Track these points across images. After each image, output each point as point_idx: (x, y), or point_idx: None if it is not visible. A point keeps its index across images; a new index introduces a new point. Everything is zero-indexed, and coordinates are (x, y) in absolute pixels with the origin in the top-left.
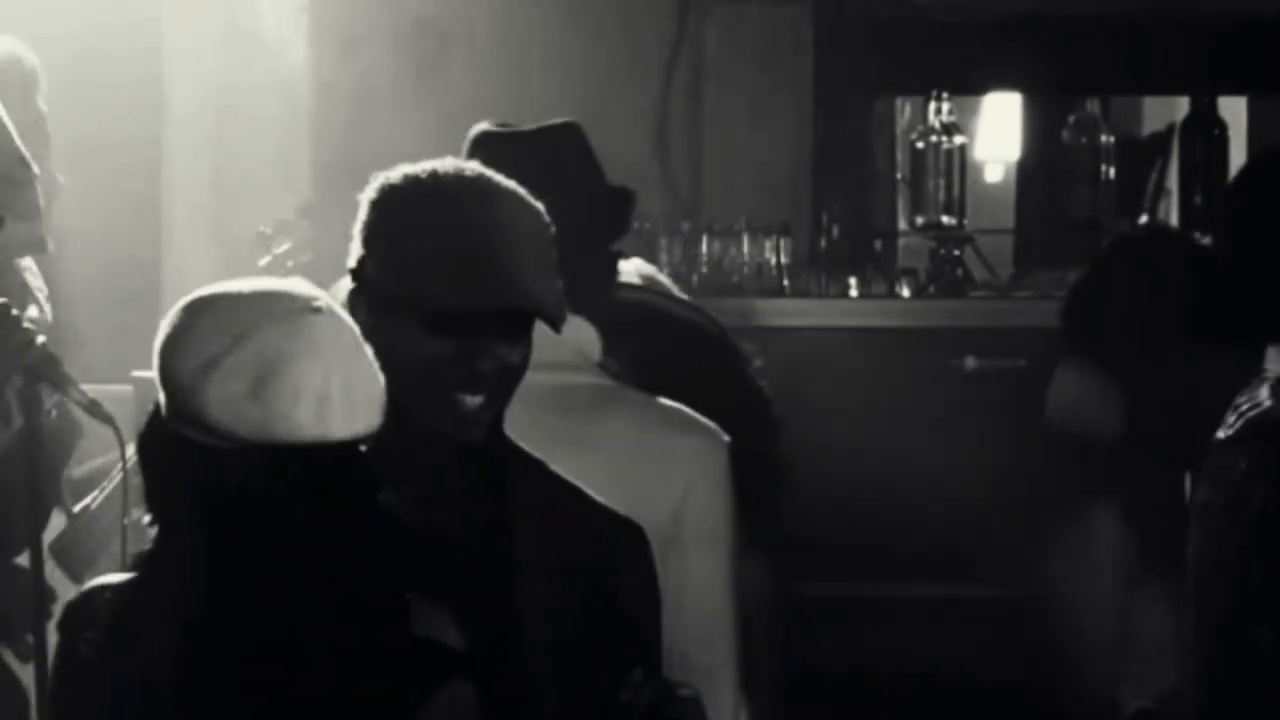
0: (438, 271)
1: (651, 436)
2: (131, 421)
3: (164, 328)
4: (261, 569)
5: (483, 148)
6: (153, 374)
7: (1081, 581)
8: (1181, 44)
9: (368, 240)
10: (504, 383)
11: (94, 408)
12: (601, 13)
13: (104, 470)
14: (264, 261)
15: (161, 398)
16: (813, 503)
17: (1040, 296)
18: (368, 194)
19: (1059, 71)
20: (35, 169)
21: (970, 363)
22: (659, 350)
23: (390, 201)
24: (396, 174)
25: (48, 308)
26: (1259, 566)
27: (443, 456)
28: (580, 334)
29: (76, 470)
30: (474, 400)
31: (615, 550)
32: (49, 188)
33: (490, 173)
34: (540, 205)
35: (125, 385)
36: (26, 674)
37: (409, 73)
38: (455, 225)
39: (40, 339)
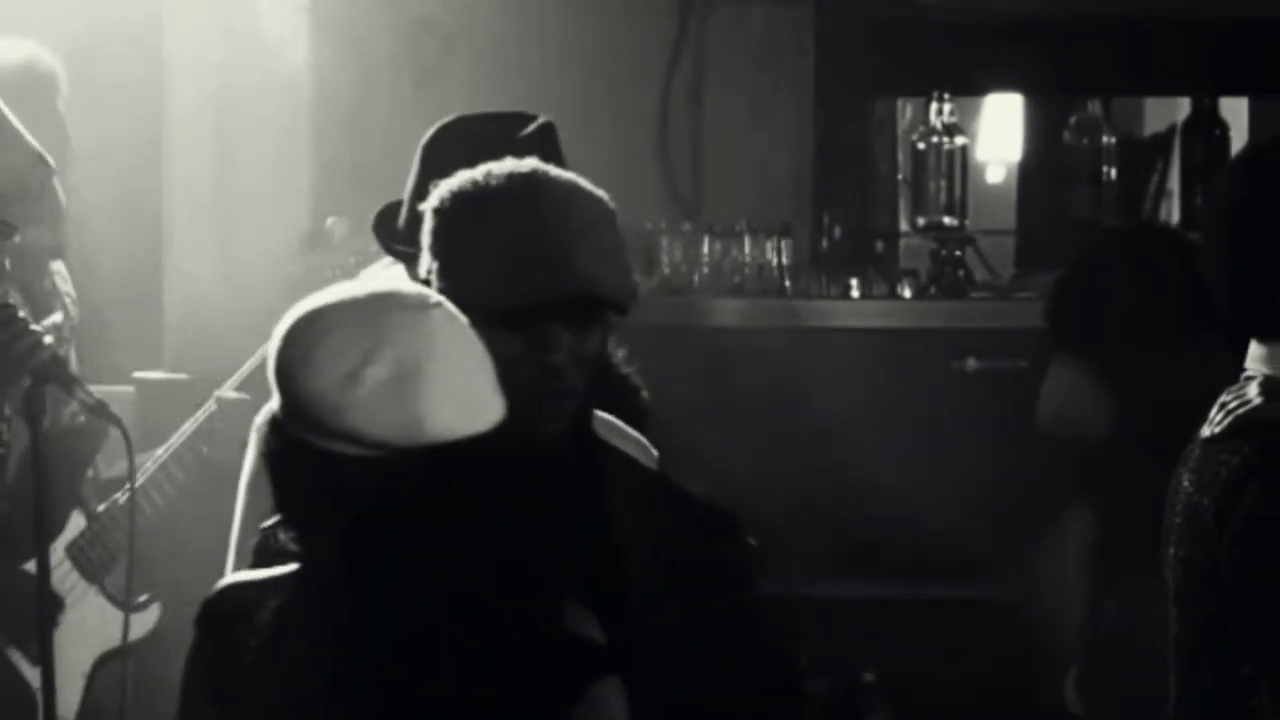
0: (491, 269)
1: None
2: (134, 423)
3: (283, 348)
4: (418, 571)
5: (446, 156)
6: (274, 393)
7: (1065, 581)
8: (1183, 45)
9: (432, 247)
10: (578, 374)
11: (100, 409)
12: (602, 13)
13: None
14: (306, 262)
15: (275, 406)
16: (811, 503)
17: (1042, 297)
18: (430, 202)
19: (1060, 72)
20: (53, 163)
21: (971, 364)
22: None
23: (446, 207)
24: (455, 179)
25: (74, 310)
26: (1246, 568)
27: (527, 452)
28: None
29: (106, 472)
30: (548, 395)
31: (711, 538)
32: (67, 190)
33: (543, 166)
34: (600, 192)
35: (127, 386)
36: (37, 676)
37: (410, 73)
38: (505, 222)
39: (48, 340)
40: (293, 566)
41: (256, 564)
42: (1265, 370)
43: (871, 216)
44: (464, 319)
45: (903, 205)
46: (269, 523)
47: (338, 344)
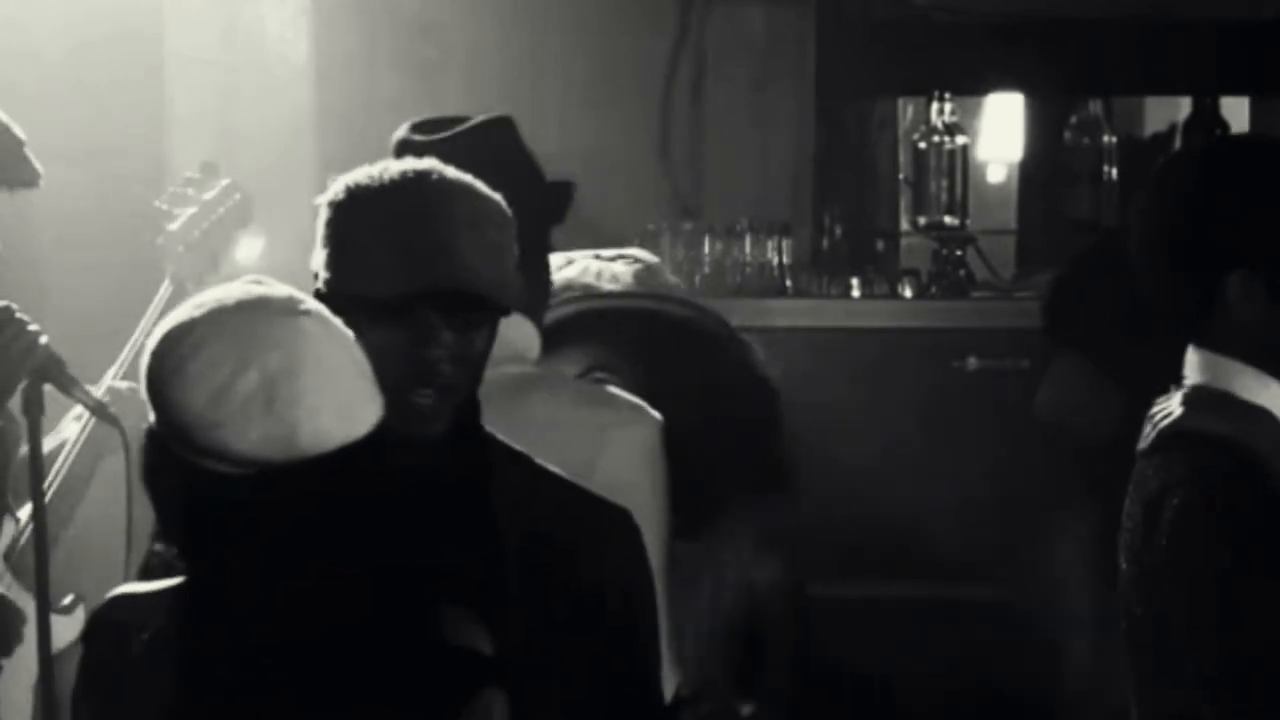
0: (373, 260)
1: (563, 416)
2: (134, 423)
3: (154, 364)
4: (292, 588)
5: (409, 151)
6: (148, 409)
7: (1069, 583)
8: (1184, 44)
9: (323, 239)
10: (458, 372)
11: (99, 409)
12: (602, 14)
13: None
14: (160, 240)
15: (152, 418)
16: (813, 503)
17: (1040, 297)
18: (325, 195)
19: (1061, 72)
20: (22, 134)
21: (973, 363)
22: (664, 359)
23: (335, 202)
24: (351, 174)
25: None
26: (1173, 583)
27: (407, 452)
28: (516, 330)
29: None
30: (425, 392)
31: (601, 537)
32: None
33: (439, 165)
34: (494, 195)
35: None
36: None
37: (411, 75)
38: (390, 215)
39: (44, 340)
40: (178, 580)
41: (145, 579)
42: (1196, 378)
43: (872, 216)
44: (337, 321)
45: (903, 205)
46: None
47: (207, 359)
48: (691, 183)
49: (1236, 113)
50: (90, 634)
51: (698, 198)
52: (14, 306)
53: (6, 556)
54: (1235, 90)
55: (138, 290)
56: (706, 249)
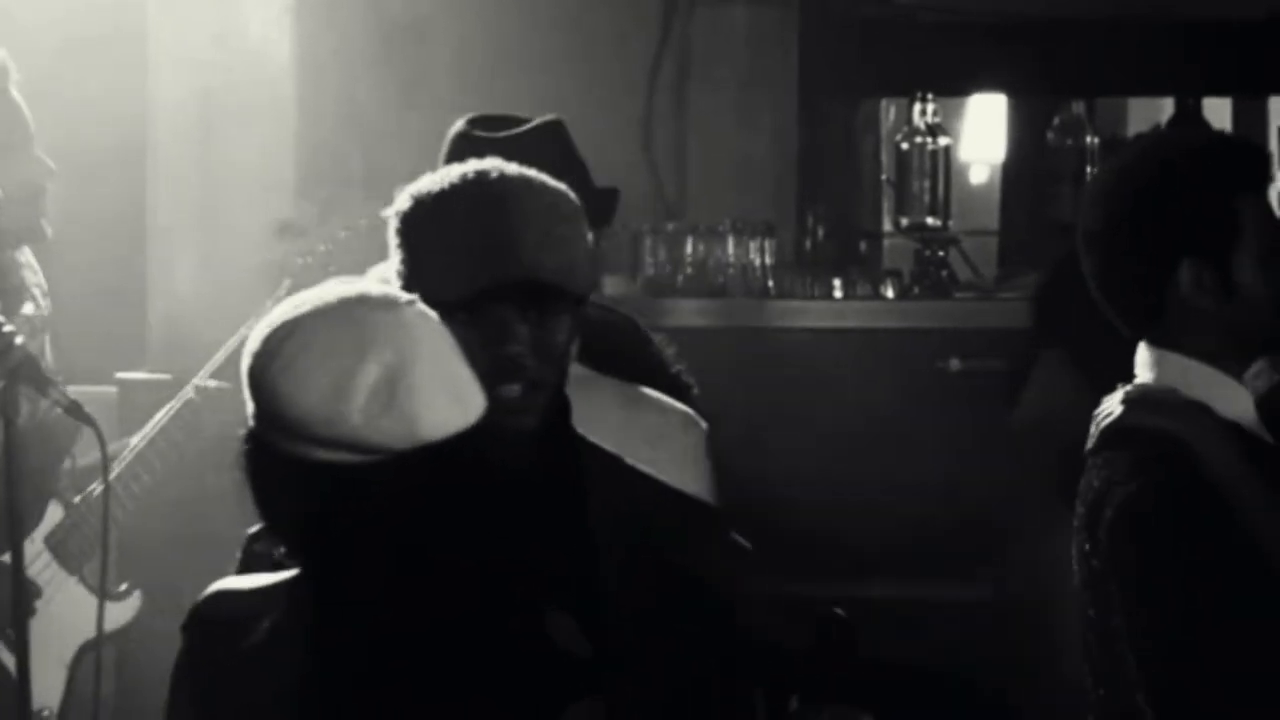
0: (441, 261)
1: (612, 417)
2: (116, 422)
3: (262, 365)
4: (411, 582)
5: (466, 145)
6: (249, 407)
7: (1055, 581)
8: (1166, 46)
9: (397, 247)
10: (540, 366)
11: (74, 409)
12: (586, 14)
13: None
14: (284, 248)
15: (251, 420)
16: (798, 503)
17: (1025, 298)
18: (394, 205)
19: (1044, 73)
20: (53, 166)
21: (955, 364)
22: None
23: (405, 209)
24: (417, 182)
25: (45, 302)
26: (1114, 581)
27: (499, 447)
28: None
29: (81, 460)
30: (512, 387)
31: (694, 537)
32: (42, 174)
33: (498, 164)
34: (561, 185)
35: (110, 386)
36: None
37: (393, 74)
38: (455, 216)
39: (19, 340)
40: (285, 574)
41: (241, 569)
42: (1149, 376)
43: (855, 217)
44: (432, 312)
45: (886, 205)
46: (254, 530)
47: (319, 355)
48: (674, 183)
49: (1219, 114)
50: (193, 628)
51: (681, 198)
52: None
53: (48, 539)
54: (1219, 91)
55: (122, 288)
56: (689, 249)
